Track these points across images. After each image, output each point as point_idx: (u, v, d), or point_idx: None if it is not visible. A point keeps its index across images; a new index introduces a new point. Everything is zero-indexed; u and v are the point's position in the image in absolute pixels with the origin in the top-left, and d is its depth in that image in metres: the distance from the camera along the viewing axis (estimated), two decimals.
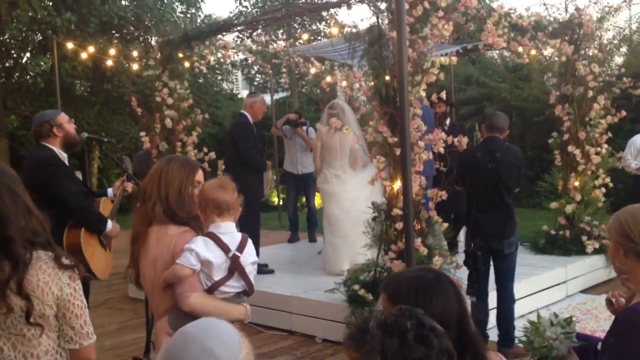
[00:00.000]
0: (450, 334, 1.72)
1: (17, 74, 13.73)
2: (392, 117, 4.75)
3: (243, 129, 6.73)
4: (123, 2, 14.16)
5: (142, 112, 6.94)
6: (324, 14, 13.87)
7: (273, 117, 11.35)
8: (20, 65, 13.67)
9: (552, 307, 5.47)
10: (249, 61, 8.42)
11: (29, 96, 13.46)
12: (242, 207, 2.71)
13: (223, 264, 2.59)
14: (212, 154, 6.78)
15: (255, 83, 22.12)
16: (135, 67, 9.74)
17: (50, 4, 12.60)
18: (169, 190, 2.60)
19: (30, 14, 11.80)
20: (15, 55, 13.88)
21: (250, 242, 2.69)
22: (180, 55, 6.83)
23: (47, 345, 1.91)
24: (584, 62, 6.63)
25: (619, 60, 12.39)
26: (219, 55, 7.37)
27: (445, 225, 5.10)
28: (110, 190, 4.45)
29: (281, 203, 12.09)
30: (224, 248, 2.59)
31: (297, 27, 19.65)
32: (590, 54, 6.73)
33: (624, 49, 12.69)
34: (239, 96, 19.68)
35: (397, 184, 4.78)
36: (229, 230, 2.63)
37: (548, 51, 6.80)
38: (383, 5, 5.00)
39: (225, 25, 6.88)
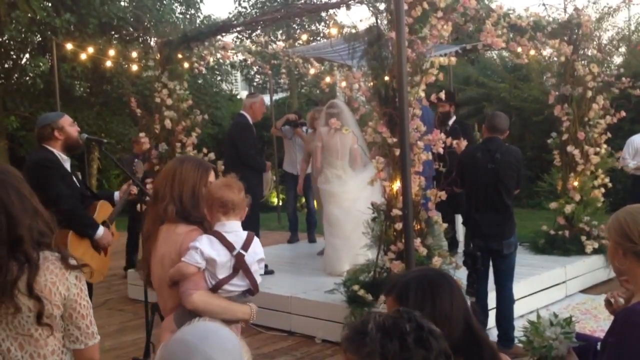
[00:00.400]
0: (457, 330, 1.74)
1: (16, 75, 13.74)
2: (392, 118, 4.75)
3: (242, 129, 6.74)
4: (122, 3, 14.18)
5: (141, 113, 6.94)
6: (323, 14, 13.89)
7: (272, 118, 11.35)
8: (20, 66, 13.68)
9: (551, 307, 5.47)
10: (248, 62, 8.43)
11: (29, 97, 13.47)
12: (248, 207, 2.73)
13: (227, 262, 2.60)
14: (212, 155, 6.78)
15: (255, 84, 22.16)
16: (134, 67, 9.75)
17: (50, 5, 12.61)
18: (183, 191, 2.64)
19: (29, 15, 11.81)
20: (14, 56, 13.89)
21: (256, 240, 2.70)
22: (180, 56, 6.82)
23: (53, 345, 1.92)
24: (583, 62, 6.63)
25: (618, 60, 12.41)
26: (218, 55, 7.36)
27: (445, 225, 5.10)
28: (117, 194, 4.44)
29: (281, 204, 12.09)
30: (229, 246, 2.60)
31: (296, 27, 19.67)
32: (589, 54, 6.73)
33: (623, 49, 12.71)
34: (238, 97, 19.68)
35: (397, 185, 4.78)
36: (234, 228, 2.64)
37: (547, 51, 6.80)
38: (382, 6, 5.01)
39: (225, 26, 6.87)
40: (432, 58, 4.89)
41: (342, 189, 6.23)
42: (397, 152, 4.59)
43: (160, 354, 1.25)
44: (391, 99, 4.79)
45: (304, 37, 9.85)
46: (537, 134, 11.66)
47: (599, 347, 2.24)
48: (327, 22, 15.51)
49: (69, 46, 10.68)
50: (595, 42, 6.93)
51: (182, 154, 6.74)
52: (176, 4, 15.91)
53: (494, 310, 4.85)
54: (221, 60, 7.80)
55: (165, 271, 2.62)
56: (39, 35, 13.30)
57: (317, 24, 19.74)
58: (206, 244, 2.56)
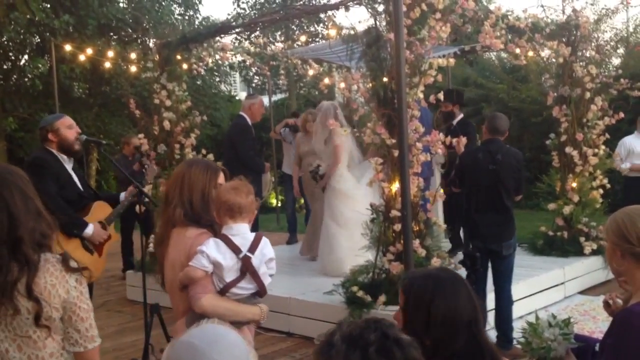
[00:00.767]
0: (461, 336, 1.74)
1: (15, 76, 13.73)
2: (390, 119, 4.76)
3: (241, 131, 6.75)
4: (121, 4, 14.18)
5: (140, 114, 6.93)
6: (322, 15, 13.90)
7: (271, 119, 11.36)
8: (18, 67, 13.67)
9: (550, 308, 5.47)
10: (247, 63, 8.42)
11: (27, 98, 13.47)
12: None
13: (234, 265, 2.60)
14: (211, 156, 6.77)
15: (254, 85, 22.15)
16: (133, 69, 9.74)
17: (48, 6, 12.60)
18: (193, 194, 2.65)
19: (28, 16, 11.79)
20: (13, 58, 13.88)
21: (265, 241, 2.69)
22: (179, 57, 6.82)
23: (52, 347, 1.92)
24: (581, 63, 6.64)
25: (616, 61, 12.41)
26: (217, 57, 7.37)
27: (444, 226, 5.11)
28: (122, 195, 4.46)
29: (279, 205, 12.09)
30: (235, 249, 2.60)
31: (295, 29, 19.69)
32: (588, 55, 6.74)
33: (621, 51, 12.73)
34: (237, 98, 19.71)
35: (395, 186, 4.78)
36: (240, 231, 2.64)
37: (545, 53, 6.80)
38: (381, 7, 5.01)
39: (223, 27, 6.88)
40: (431, 59, 4.89)
41: (359, 192, 6.14)
42: (396, 153, 4.60)
43: (167, 354, 1.25)
44: (390, 100, 4.79)
45: (303, 38, 9.87)
46: (536, 135, 11.68)
47: (597, 348, 2.24)
48: (326, 23, 15.51)
49: (68, 47, 10.66)
50: (593, 44, 6.94)
51: (180, 155, 6.75)
52: (175, 5, 15.92)
53: (493, 312, 4.85)
54: (220, 62, 7.80)
55: (176, 275, 2.63)
56: (37, 37, 13.30)
57: (315, 25, 19.76)
58: (213, 248, 2.57)
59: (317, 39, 17.72)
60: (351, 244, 5.99)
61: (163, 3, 15.11)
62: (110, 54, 10.56)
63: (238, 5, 21.10)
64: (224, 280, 2.60)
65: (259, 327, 5.35)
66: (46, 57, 12.74)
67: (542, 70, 11.32)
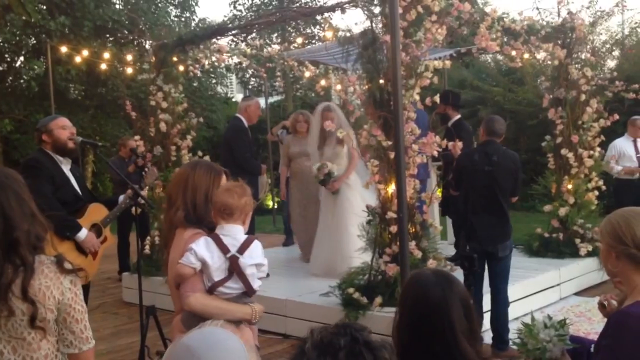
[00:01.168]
0: (442, 342, 1.74)
1: (10, 78, 13.71)
2: (386, 121, 4.77)
3: (238, 132, 6.74)
4: (117, 6, 14.17)
5: (136, 115, 6.93)
6: (318, 17, 13.91)
7: (268, 121, 11.36)
8: (14, 69, 13.65)
9: (545, 310, 5.48)
10: (244, 65, 8.43)
11: (23, 100, 13.44)
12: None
13: (222, 264, 2.62)
14: (207, 158, 6.77)
15: (250, 87, 22.16)
16: (129, 70, 9.73)
17: (44, 8, 12.59)
18: (196, 196, 2.67)
19: (24, 17, 11.78)
20: (9, 59, 13.85)
21: (256, 244, 2.70)
22: (175, 59, 6.83)
23: (46, 349, 1.92)
24: (576, 65, 6.66)
25: (611, 64, 12.48)
26: (214, 59, 7.36)
27: (440, 227, 5.11)
28: (121, 197, 4.46)
29: (276, 207, 12.09)
30: (223, 249, 2.61)
31: (291, 30, 19.71)
32: (583, 57, 6.76)
33: (616, 53, 12.78)
34: (234, 100, 19.69)
35: (392, 188, 4.78)
36: (231, 232, 2.65)
37: (541, 55, 6.82)
38: (377, 10, 5.02)
39: (220, 29, 6.88)
40: (427, 61, 4.90)
41: (367, 193, 6.10)
42: (392, 155, 4.60)
43: (167, 354, 1.25)
44: (386, 102, 4.80)
45: (299, 40, 9.90)
46: (531, 137, 11.70)
47: (592, 349, 2.25)
48: (322, 25, 15.53)
49: (64, 49, 10.66)
50: (588, 46, 6.97)
51: (177, 157, 6.75)
52: (171, 7, 15.93)
53: (489, 313, 4.86)
54: (216, 63, 7.78)
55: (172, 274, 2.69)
56: (33, 38, 13.28)
57: (312, 27, 19.79)
58: (202, 246, 2.59)
59: (314, 41, 17.75)
60: (352, 246, 5.97)
61: (159, 5, 15.11)
62: (107, 55, 10.55)
63: (234, 7, 21.14)
64: (212, 278, 2.62)
65: None
66: (42, 58, 12.71)
67: (537, 72, 11.39)
